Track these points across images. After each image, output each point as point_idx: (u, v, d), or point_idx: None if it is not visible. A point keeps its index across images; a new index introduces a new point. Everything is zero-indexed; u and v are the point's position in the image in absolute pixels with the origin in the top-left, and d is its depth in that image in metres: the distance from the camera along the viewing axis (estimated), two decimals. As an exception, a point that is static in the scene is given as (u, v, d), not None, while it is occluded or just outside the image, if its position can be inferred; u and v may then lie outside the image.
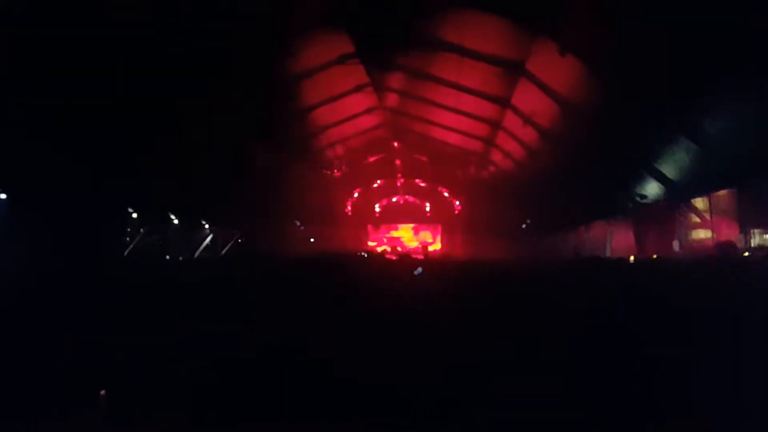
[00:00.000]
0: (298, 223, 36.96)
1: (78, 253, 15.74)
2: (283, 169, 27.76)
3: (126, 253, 22.02)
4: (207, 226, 28.96)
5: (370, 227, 42.65)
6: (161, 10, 13.58)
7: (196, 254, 27.66)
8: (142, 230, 23.59)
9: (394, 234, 42.72)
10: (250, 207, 26.55)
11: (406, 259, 17.82)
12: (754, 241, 16.07)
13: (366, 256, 27.39)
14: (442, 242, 41.82)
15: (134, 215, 22.76)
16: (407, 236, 42.77)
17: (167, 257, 24.14)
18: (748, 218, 15.92)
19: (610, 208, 23.20)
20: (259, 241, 30.76)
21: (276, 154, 25.75)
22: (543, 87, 19.18)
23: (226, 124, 19.99)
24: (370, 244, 42.03)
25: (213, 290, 7.43)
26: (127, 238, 22.86)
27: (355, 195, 41.80)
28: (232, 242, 30.92)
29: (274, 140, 24.44)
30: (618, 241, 23.59)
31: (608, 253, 24.09)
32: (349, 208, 41.99)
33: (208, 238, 29.13)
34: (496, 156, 31.00)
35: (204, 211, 26.90)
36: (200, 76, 16.64)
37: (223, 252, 30.01)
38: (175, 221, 25.47)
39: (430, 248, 41.17)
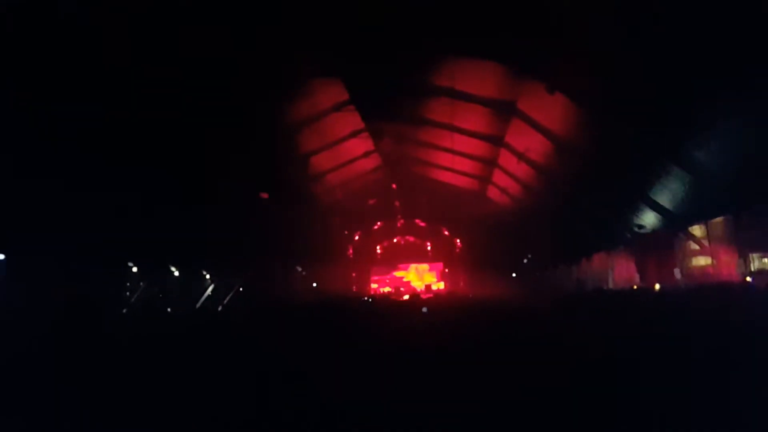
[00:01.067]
0: (300, 269, 36.92)
1: (77, 312, 15.63)
2: (282, 215, 27.91)
3: (126, 309, 21.75)
4: (208, 276, 28.74)
5: (372, 269, 42.65)
6: (160, 64, 14.03)
7: (198, 305, 27.31)
8: (142, 284, 23.50)
9: (397, 275, 42.64)
10: (249, 254, 26.50)
11: (412, 302, 17.80)
12: (753, 266, 16.15)
13: (371, 300, 27.29)
14: (445, 281, 41.72)
15: (134, 269, 22.72)
16: (410, 276, 42.68)
17: (168, 310, 23.86)
18: (746, 243, 16.05)
19: (609, 240, 23.34)
20: (260, 288, 30.50)
21: (275, 200, 25.93)
22: (535, 125, 19.66)
23: (224, 172, 20.18)
24: (373, 286, 41.92)
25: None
26: (128, 293, 22.71)
27: (356, 238, 41.98)
28: (233, 292, 30.52)
29: (273, 187, 24.68)
30: (620, 271, 23.62)
31: (611, 284, 24.08)
32: (351, 250, 42.10)
33: (210, 288, 28.83)
34: (494, 193, 31.36)
35: (204, 261, 26.81)
36: (198, 127, 17.05)
37: (225, 301, 29.60)
38: (176, 273, 25.37)
39: (434, 287, 41.08)
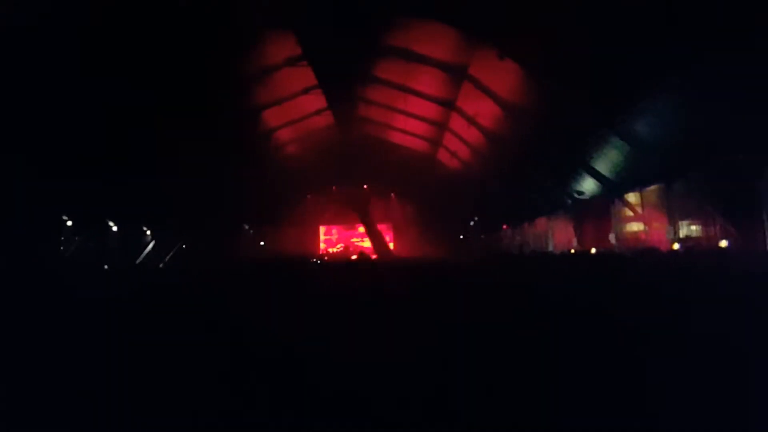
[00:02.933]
0: (247, 227, 36.55)
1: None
2: (231, 171, 27.34)
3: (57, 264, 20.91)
4: (148, 232, 27.95)
5: (321, 229, 42.66)
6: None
7: (138, 261, 26.60)
8: (77, 238, 22.67)
9: (346, 234, 42.84)
10: (193, 211, 25.93)
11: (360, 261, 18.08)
12: (682, 232, 17.28)
13: (319, 262, 27.37)
14: (394, 242, 42.29)
15: (69, 222, 21.87)
16: (359, 237, 42.99)
17: (105, 267, 23.13)
18: (676, 211, 17.11)
19: (550, 205, 24.30)
20: (204, 246, 29.92)
21: (224, 154, 25.26)
22: (485, 90, 19.95)
23: (170, 124, 19.52)
24: (322, 246, 42.03)
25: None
26: (61, 247, 21.81)
27: (306, 197, 41.73)
28: (175, 249, 29.79)
29: (223, 140, 24.00)
30: (559, 236, 24.71)
31: (551, 247, 25.19)
32: (300, 209, 41.87)
33: (150, 245, 28.05)
34: (444, 156, 31.78)
35: (145, 216, 26.00)
36: (147, 76, 16.41)
37: (166, 259, 28.86)
38: (114, 228, 24.57)
39: (382, 248, 41.62)
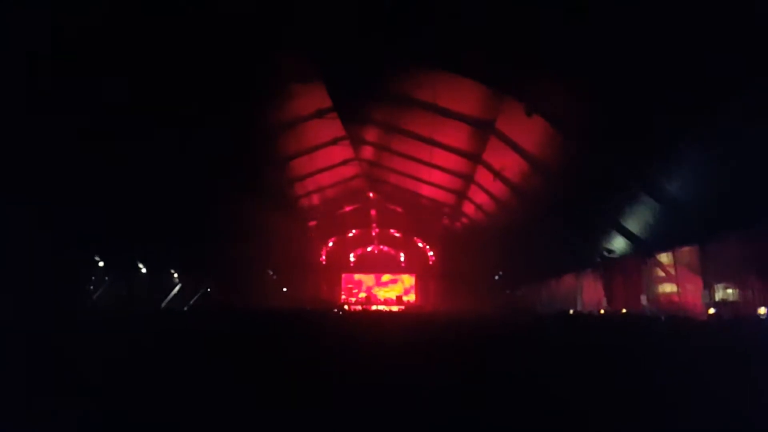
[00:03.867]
0: (271, 273, 36.57)
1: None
2: (258, 218, 27.65)
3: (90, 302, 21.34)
4: (176, 275, 28.29)
5: (344, 276, 42.40)
6: (138, 60, 13.83)
7: (163, 304, 26.86)
8: (107, 278, 23.05)
9: (369, 283, 42.45)
10: (220, 256, 26.17)
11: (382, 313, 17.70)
12: (718, 296, 16.51)
13: (341, 313, 27.07)
14: (416, 293, 41.71)
15: (101, 263, 22.32)
16: (382, 286, 42.54)
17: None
18: (711, 273, 16.40)
19: (579, 262, 23.67)
20: (229, 291, 30.06)
21: (250, 201, 25.68)
22: (512, 145, 19.88)
23: (200, 174, 19.99)
24: (344, 295, 41.64)
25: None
26: (91, 287, 22.21)
27: (330, 244, 41.79)
28: (200, 293, 30.02)
29: (248, 189, 24.45)
30: (588, 294, 23.94)
31: (579, 306, 24.37)
32: (324, 257, 41.87)
33: (176, 288, 28.35)
34: (469, 209, 31.59)
35: (173, 260, 26.38)
36: (177, 126, 16.84)
37: (192, 302, 29.11)
38: (143, 270, 24.99)
39: (405, 298, 41.03)
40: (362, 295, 41.51)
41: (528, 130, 18.15)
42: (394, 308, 38.30)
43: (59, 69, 12.53)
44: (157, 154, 17.45)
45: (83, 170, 15.48)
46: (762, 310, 13.62)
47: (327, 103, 21.35)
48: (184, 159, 18.64)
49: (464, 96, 18.52)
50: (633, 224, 18.21)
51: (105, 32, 12.53)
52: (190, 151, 18.54)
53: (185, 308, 27.92)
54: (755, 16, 9.10)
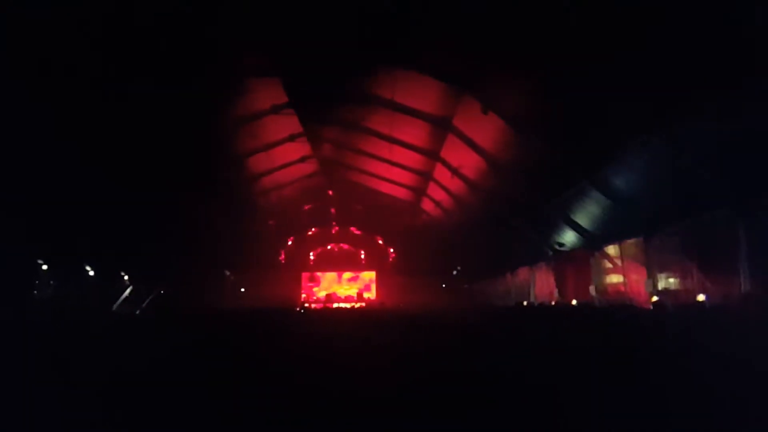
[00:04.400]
0: (228, 273, 36.07)
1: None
2: (213, 217, 27.17)
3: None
4: (126, 277, 27.38)
5: (304, 275, 42.18)
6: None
7: (114, 308, 25.93)
8: (52, 282, 22.03)
9: (329, 282, 42.38)
10: (174, 257, 25.55)
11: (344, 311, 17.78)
12: (661, 285, 17.39)
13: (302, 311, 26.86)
14: (377, 289, 41.93)
15: (44, 266, 21.35)
16: (342, 284, 42.55)
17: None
18: (655, 264, 17.27)
19: (532, 256, 24.43)
20: (183, 292, 29.23)
21: (206, 200, 25.16)
22: (469, 142, 20.34)
23: (151, 172, 19.45)
24: (304, 294, 41.44)
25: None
26: (35, 291, 21.13)
27: (289, 243, 41.51)
28: (152, 295, 29.09)
29: (205, 186, 23.96)
30: (540, 286, 24.73)
31: (532, 298, 25.15)
32: (283, 256, 41.54)
33: (128, 291, 27.41)
34: (428, 205, 32.05)
35: (123, 262, 25.50)
36: (129, 121, 16.43)
37: (144, 305, 28.15)
38: (91, 273, 24.10)
39: (365, 295, 41.18)
40: (322, 293, 41.40)
41: (484, 128, 18.63)
42: (355, 305, 38.38)
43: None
44: (108, 152, 16.96)
45: (29, 168, 14.97)
46: (701, 297, 14.47)
47: (283, 98, 21.21)
48: (135, 157, 18.11)
49: (423, 93, 18.82)
50: (582, 218, 19.00)
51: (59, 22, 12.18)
52: (142, 148, 18.04)
53: (137, 312, 27.01)
54: (706, 15, 9.63)
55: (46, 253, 20.35)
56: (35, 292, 21.11)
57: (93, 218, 18.34)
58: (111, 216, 18.93)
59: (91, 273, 24.06)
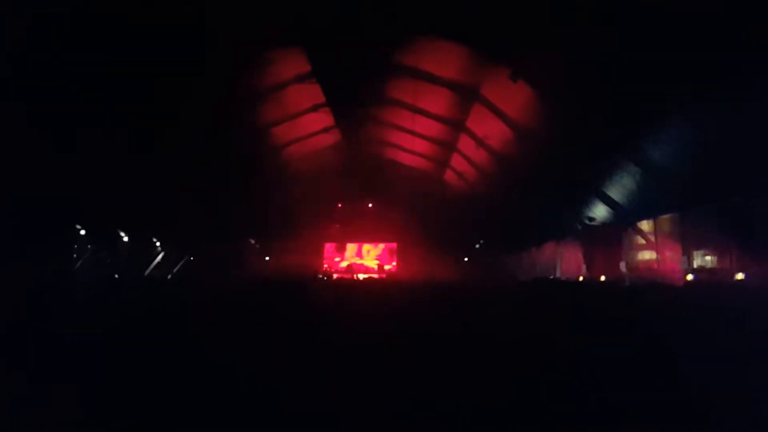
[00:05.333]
0: (254, 242, 36.34)
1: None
2: (238, 187, 27.26)
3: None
4: (158, 244, 28.08)
5: (326, 246, 42.27)
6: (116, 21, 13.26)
7: (146, 273, 26.76)
8: (89, 246, 22.68)
9: (352, 253, 42.42)
10: (203, 225, 25.90)
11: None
12: (696, 263, 16.78)
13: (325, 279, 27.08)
14: (398, 261, 41.84)
15: (82, 232, 22.01)
16: (365, 255, 42.58)
17: (116, 276, 23.20)
18: (690, 241, 16.62)
19: (560, 230, 23.83)
20: (212, 260, 29.90)
21: (233, 169, 25.27)
22: (496, 111, 19.66)
23: (181, 140, 19.55)
24: (326, 265, 41.60)
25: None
26: (74, 255, 21.90)
27: (311, 214, 41.47)
28: (183, 261, 29.96)
29: (232, 155, 24.01)
30: (567, 261, 24.19)
31: (558, 274, 24.65)
32: (306, 226, 41.59)
33: (159, 257, 28.20)
34: (451, 177, 31.49)
35: (155, 228, 26.14)
36: (158, 92, 16.30)
37: (175, 270, 29.07)
38: (125, 239, 24.74)
39: (386, 267, 41.17)
40: (344, 264, 41.51)
41: (512, 97, 17.94)
42: (376, 276, 38.42)
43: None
44: (140, 122, 17.00)
45: (67, 139, 15.08)
46: (740, 276, 13.87)
47: (307, 68, 20.79)
48: (166, 125, 18.22)
49: (449, 61, 18.15)
50: (615, 192, 18.30)
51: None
52: (172, 117, 18.08)
53: (168, 276, 27.87)
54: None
55: (84, 218, 20.88)
56: (74, 255, 21.62)
57: (129, 186, 18.61)
58: (146, 185, 19.18)
59: (125, 239, 24.68)
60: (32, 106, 13.48)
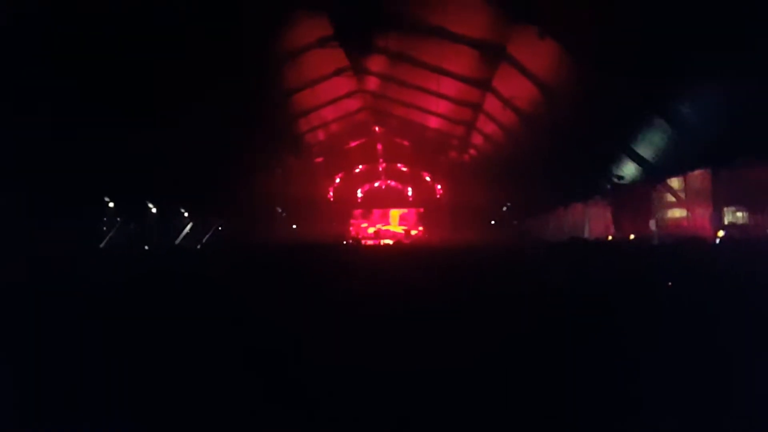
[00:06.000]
0: (280, 210, 36.85)
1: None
2: (263, 155, 27.51)
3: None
4: (186, 214, 28.58)
5: (353, 212, 42.65)
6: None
7: (177, 242, 27.35)
8: (119, 219, 23.24)
9: (378, 219, 42.75)
10: (229, 194, 26.30)
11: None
12: (727, 219, 16.57)
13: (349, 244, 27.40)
14: (424, 226, 42.03)
15: (111, 204, 22.53)
16: (391, 221, 42.86)
17: (146, 247, 23.71)
18: (721, 197, 16.37)
19: (588, 190, 23.61)
20: (239, 229, 30.43)
21: (255, 140, 25.45)
22: (523, 70, 19.34)
23: (204, 110, 19.70)
24: (352, 229, 42.05)
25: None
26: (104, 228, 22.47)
27: (337, 180, 41.76)
28: (212, 231, 30.47)
29: (253, 126, 24.14)
30: (596, 222, 24.04)
31: (587, 234, 24.53)
32: (331, 193, 41.95)
33: (188, 227, 28.74)
34: (477, 139, 31.20)
35: (182, 199, 26.57)
36: (178, 61, 16.44)
37: (204, 240, 29.60)
38: (153, 210, 25.25)
39: (413, 232, 41.45)
40: (371, 230, 41.91)
41: (540, 55, 17.59)
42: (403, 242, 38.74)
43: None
44: (165, 94, 17.18)
45: (91, 114, 15.35)
46: (772, 231, 13.70)
47: (329, 31, 20.63)
48: (191, 98, 18.36)
49: (474, 18, 17.81)
50: (644, 149, 18.00)
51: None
52: (196, 90, 18.22)
53: (198, 247, 28.40)
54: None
55: (113, 190, 21.32)
56: (104, 228, 22.30)
57: (156, 159, 18.93)
58: (172, 156, 19.49)
59: (154, 210, 25.17)
60: (56, 80, 13.65)
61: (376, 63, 24.16)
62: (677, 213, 18.82)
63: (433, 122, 30.67)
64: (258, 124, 24.41)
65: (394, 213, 42.68)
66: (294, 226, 37.99)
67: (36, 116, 13.59)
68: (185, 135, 19.67)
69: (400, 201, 42.59)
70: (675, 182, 18.47)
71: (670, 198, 18.98)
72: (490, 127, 27.66)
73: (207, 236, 29.98)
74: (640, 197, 19.99)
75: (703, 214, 16.93)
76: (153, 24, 14.48)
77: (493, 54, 19.62)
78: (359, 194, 42.74)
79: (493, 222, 35.94)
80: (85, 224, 19.95)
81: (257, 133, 25.10)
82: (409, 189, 42.40)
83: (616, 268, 10.66)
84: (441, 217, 39.68)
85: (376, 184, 42.65)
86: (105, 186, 20.11)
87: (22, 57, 12.13)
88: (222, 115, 20.93)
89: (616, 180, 20.49)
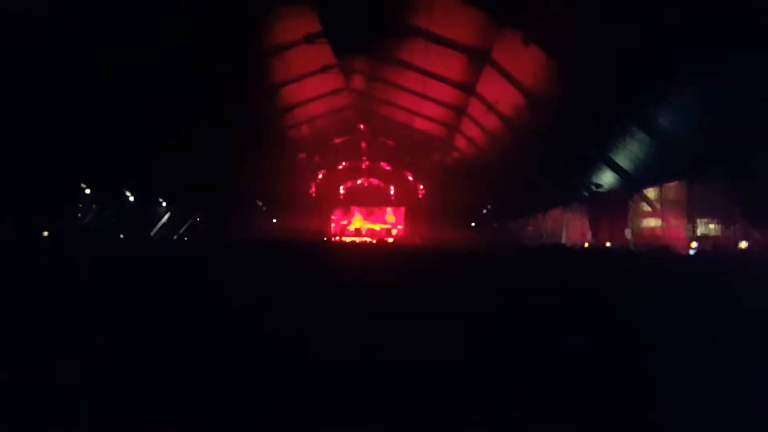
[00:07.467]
0: (260, 203, 36.62)
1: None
2: (245, 148, 27.29)
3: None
4: (164, 203, 28.26)
5: (333, 209, 42.56)
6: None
7: (152, 233, 26.99)
8: (94, 206, 22.92)
9: (358, 216, 42.73)
10: (209, 185, 26.08)
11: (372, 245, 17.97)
12: (700, 231, 16.90)
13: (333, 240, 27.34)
14: (405, 225, 42.15)
15: (87, 191, 22.19)
16: (372, 219, 42.87)
17: (121, 236, 23.42)
18: (695, 209, 16.70)
19: (567, 196, 23.92)
20: (217, 221, 30.18)
21: (239, 130, 25.24)
22: (507, 76, 19.50)
23: (187, 101, 19.52)
24: (333, 227, 41.99)
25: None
26: (79, 214, 22.13)
27: (319, 176, 41.64)
28: (189, 222, 30.14)
29: (239, 116, 23.98)
30: (573, 228, 24.36)
31: (564, 240, 24.86)
32: (314, 189, 41.81)
33: (165, 216, 28.41)
34: (461, 142, 31.39)
35: (161, 188, 26.29)
36: (162, 49, 16.25)
37: (181, 231, 29.30)
38: (131, 198, 24.93)
39: (394, 231, 41.54)
40: (352, 227, 41.90)
41: (523, 61, 17.77)
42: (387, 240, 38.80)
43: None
44: (145, 82, 16.97)
45: (71, 98, 15.13)
46: (743, 244, 14.02)
47: (316, 27, 20.54)
48: (172, 87, 18.17)
49: (461, 23, 17.92)
50: (622, 159, 18.29)
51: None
52: (178, 78, 18.04)
53: (174, 237, 28.14)
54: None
55: (88, 177, 20.99)
56: (79, 215, 21.97)
57: (134, 146, 18.68)
58: (152, 144, 19.26)
59: (131, 199, 24.81)
60: (36, 64, 13.47)
61: (363, 62, 24.17)
62: (652, 222, 19.16)
63: (418, 123, 30.78)
64: (242, 117, 24.24)
65: (375, 211, 42.72)
66: (274, 220, 37.83)
67: (12, 99, 13.39)
68: (169, 125, 19.51)
69: (382, 199, 42.63)
70: (651, 192, 18.80)
71: (647, 208, 19.29)
72: (473, 131, 27.86)
73: (183, 227, 29.64)
74: (617, 206, 20.32)
75: (677, 225, 17.25)
76: (135, 16, 14.29)
77: (478, 58, 19.77)
78: (341, 191, 42.68)
79: (473, 224, 36.23)
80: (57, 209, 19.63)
81: (240, 126, 24.90)
82: (392, 188, 42.47)
83: (570, 268, 10.97)
84: (422, 216, 39.86)
85: (359, 182, 42.63)
86: (80, 170, 19.82)
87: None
88: (204, 106, 20.76)
89: (594, 188, 20.81)
